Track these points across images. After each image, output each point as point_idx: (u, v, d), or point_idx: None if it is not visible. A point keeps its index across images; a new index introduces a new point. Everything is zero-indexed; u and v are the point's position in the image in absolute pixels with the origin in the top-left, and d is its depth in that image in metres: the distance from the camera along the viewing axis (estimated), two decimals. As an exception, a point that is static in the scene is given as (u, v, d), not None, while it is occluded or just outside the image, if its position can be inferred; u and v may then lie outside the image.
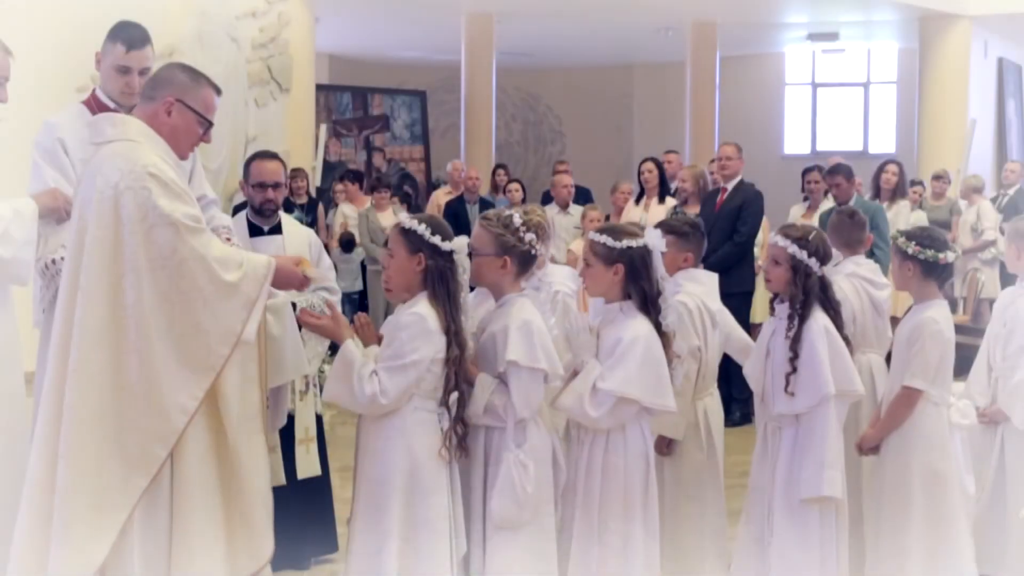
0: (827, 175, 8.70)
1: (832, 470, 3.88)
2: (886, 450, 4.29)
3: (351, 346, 3.56)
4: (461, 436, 3.58)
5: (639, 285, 3.80)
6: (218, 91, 3.63)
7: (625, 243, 3.79)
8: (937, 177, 11.39)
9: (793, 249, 4.01)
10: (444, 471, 3.57)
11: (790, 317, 4.01)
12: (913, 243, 4.27)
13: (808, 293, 4.00)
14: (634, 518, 3.74)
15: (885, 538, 4.28)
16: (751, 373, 4.20)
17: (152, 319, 3.26)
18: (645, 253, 3.81)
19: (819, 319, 3.98)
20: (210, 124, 3.60)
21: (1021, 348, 4.61)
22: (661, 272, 3.85)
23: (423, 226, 3.58)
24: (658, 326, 3.79)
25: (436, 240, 3.58)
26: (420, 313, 3.54)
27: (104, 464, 3.24)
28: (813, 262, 4.00)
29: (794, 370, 3.93)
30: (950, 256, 4.24)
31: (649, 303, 3.79)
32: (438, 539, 3.53)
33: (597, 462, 3.73)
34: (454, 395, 3.56)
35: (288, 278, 3.55)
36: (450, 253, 3.60)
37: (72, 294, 3.33)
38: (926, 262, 4.25)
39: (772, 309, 4.14)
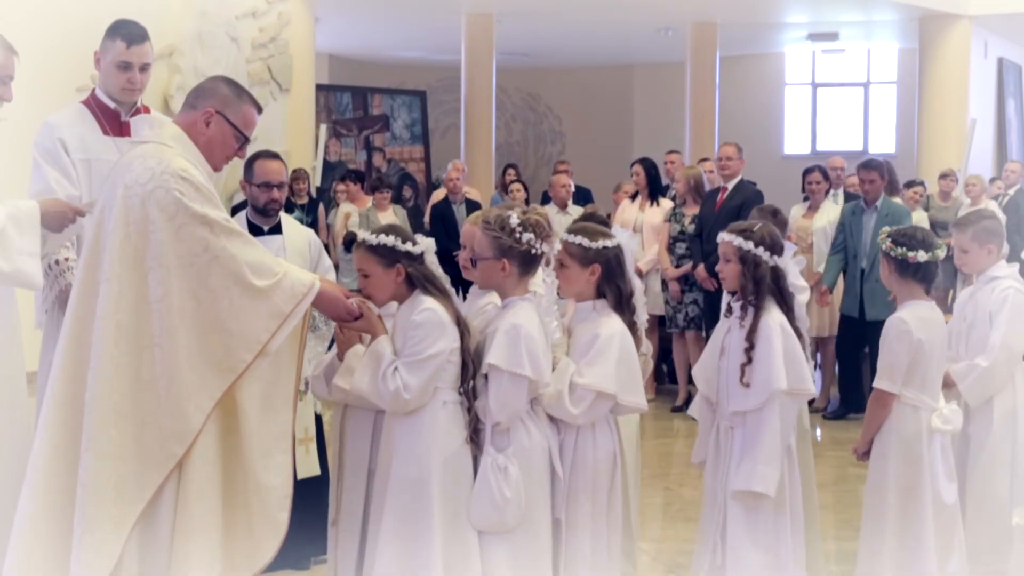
0: (861, 169, 8.59)
1: (766, 466, 3.89)
2: (872, 453, 4.30)
3: (384, 342, 3.56)
4: (472, 430, 3.58)
5: (615, 284, 3.82)
6: (259, 109, 3.64)
7: (601, 243, 3.81)
8: (944, 176, 11.26)
9: (738, 242, 4.03)
10: (472, 463, 3.58)
11: (743, 307, 4.03)
12: (889, 240, 4.28)
13: (759, 283, 4.01)
14: (600, 514, 3.74)
15: (864, 540, 4.30)
16: (701, 372, 4.22)
17: (178, 315, 3.27)
18: (619, 252, 3.84)
19: (775, 315, 3.99)
20: (247, 140, 3.61)
21: (982, 339, 4.69)
22: (631, 271, 3.88)
23: (391, 237, 3.60)
24: (631, 325, 3.81)
25: (408, 247, 3.61)
26: (432, 308, 3.56)
27: (125, 455, 3.25)
28: (761, 251, 4.01)
29: (749, 360, 3.94)
30: (921, 256, 4.20)
31: (623, 302, 3.82)
32: (473, 532, 3.55)
33: (567, 458, 3.72)
34: (470, 385, 3.58)
35: (332, 304, 3.54)
36: (422, 254, 3.64)
37: (90, 287, 3.33)
38: (897, 260, 4.23)
39: (729, 309, 4.15)
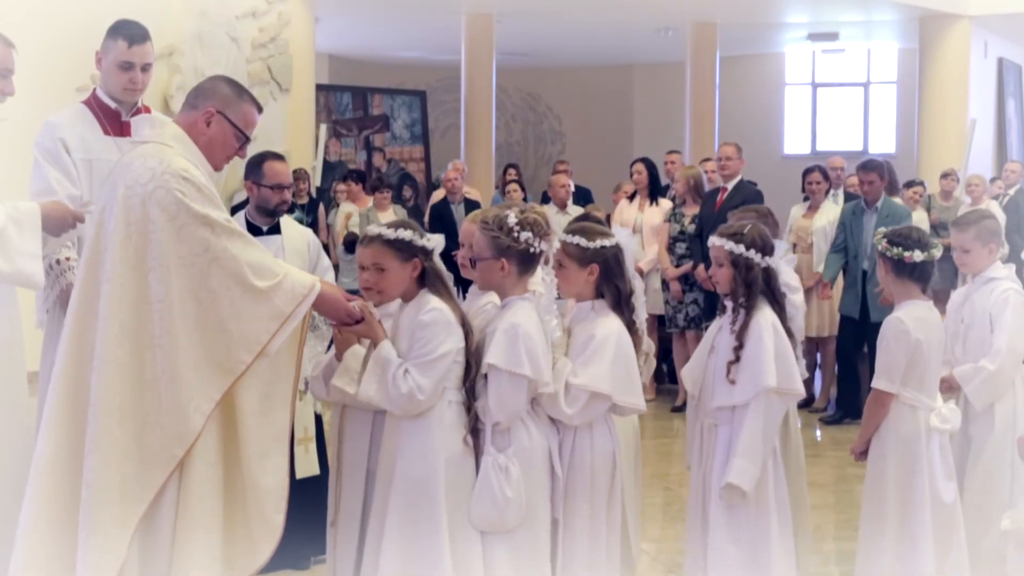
0: (860, 170, 8.55)
1: (746, 461, 3.89)
2: (869, 450, 4.32)
3: (387, 346, 3.55)
4: (471, 430, 3.59)
5: (613, 284, 3.82)
6: (259, 108, 3.65)
7: (599, 243, 3.80)
8: (945, 175, 11.21)
9: (729, 246, 4.03)
10: (474, 463, 3.59)
11: (734, 310, 4.03)
12: (885, 240, 4.29)
13: (751, 285, 4.01)
14: (598, 515, 3.74)
15: (862, 540, 4.32)
16: (689, 372, 4.22)
17: (179, 316, 3.27)
18: (618, 251, 3.83)
19: (767, 315, 4.00)
20: (248, 139, 3.62)
21: (981, 340, 4.69)
22: (631, 271, 3.87)
23: (409, 232, 3.61)
24: (630, 325, 3.80)
25: (424, 242, 3.63)
26: (439, 308, 3.56)
27: (128, 456, 3.25)
28: (752, 254, 4.02)
29: (737, 359, 3.94)
30: (917, 255, 4.21)
31: (623, 302, 3.81)
32: (476, 532, 3.57)
33: (565, 458, 3.72)
34: (471, 385, 3.58)
35: (332, 306, 3.53)
36: (433, 250, 3.66)
37: (92, 287, 3.33)
38: (893, 260, 4.25)
39: (722, 308, 4.15)
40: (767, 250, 4.05)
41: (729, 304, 4.09)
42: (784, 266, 4.16)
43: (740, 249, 4.02)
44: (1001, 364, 4.63)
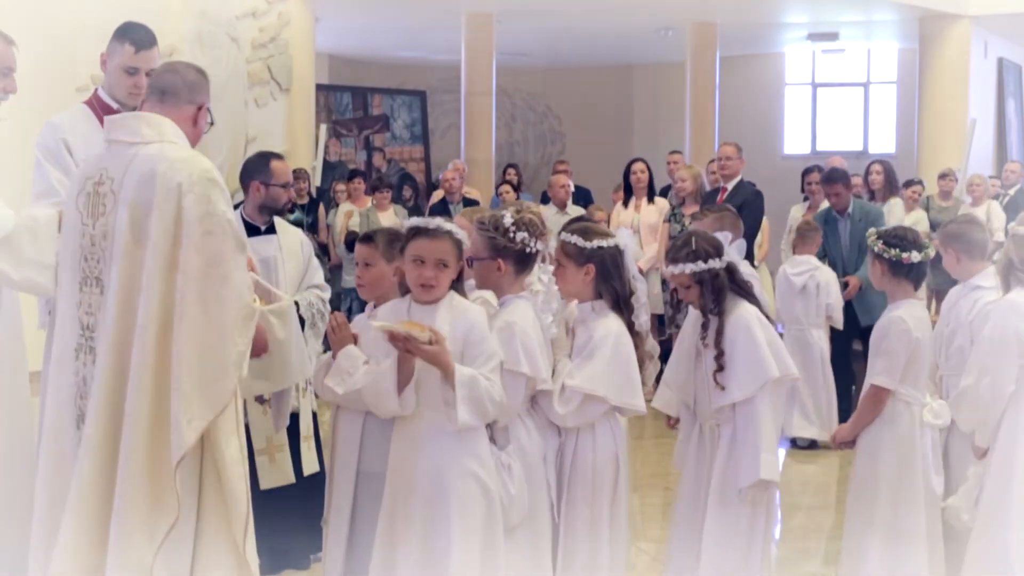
0: (824, 183, 8.46)
1: (768, 454, 3.88)
2: (859, 446, 4.35)
3: (466, 370, 3.41)
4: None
5: (610, 285, 3.81)
6: None
7: (596, 243, 3.80)
8: (943, 176, 11.16)
9: (691, 268, 4.00)
10: None
11: (704, 326, 4.00)
12: (880, 242, 4.32)
13: (720, 291, 3.99)
14: (599, 516, 3.73)
15: (851, 534, 4.36)
16: (674, 378, 4.21)
17: (187, 323, 3.22)
18: (616, 253, 3.82)
19: (748, 309, 3.99)
20: (212, 124, 3.68)
21: (960, 349, 4.62)
22: (633, 272, 3.86)
23: (465, 234, 3.58)
24: (631, 326, 3.79)
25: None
26: (476, 307, 3.55)
27: (155, 463, 3.24)
28: (711, 263, 3.99)
29: (720, 368, 3.93)
30: (915, 256, 4.26)
31: (621, 303, 3.80)
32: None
33: (567, 460, 3.72)
34: None
35: (258, 335, 3.47)
36: None
37: (131, 295, 3.28)
38: (891, 261, 4.28)
39: (670, 297, 4.14)
40: (719, 251, 4.03)
41: (699, 315, 4.07)
42: (735, 254, 4.11)
43: (700, 266, 3.99)
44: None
